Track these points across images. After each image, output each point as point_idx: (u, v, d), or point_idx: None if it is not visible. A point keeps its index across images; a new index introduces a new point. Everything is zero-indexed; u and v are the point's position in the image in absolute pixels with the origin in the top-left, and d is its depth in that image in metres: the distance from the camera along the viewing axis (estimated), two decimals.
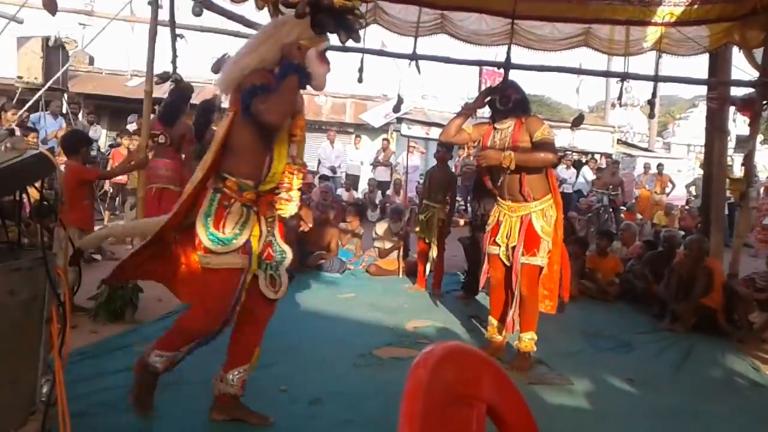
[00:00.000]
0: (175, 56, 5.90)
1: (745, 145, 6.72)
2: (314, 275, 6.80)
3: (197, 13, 5.62)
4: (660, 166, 15.64)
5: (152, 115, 5.92)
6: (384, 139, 15.45)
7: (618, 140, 21.34)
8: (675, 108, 35.19)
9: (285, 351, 4.17)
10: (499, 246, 4.23)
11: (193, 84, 7.03)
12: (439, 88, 29.86)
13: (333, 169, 13.51)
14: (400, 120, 16.81)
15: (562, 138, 19.64)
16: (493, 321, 4.44)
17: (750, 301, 5.76)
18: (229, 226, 2.75)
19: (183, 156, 6.61)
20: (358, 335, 4.75)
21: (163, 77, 5.89)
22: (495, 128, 4.31)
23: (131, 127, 10.93)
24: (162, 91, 9.22)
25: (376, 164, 14.05)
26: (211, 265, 2.77)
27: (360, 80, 6.88)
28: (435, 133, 12.92)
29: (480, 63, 6.80)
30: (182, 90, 6.56)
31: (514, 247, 4.14)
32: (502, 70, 7.08)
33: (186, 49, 6.06)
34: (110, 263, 5.49)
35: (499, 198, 4.32)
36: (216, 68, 7.11)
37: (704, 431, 3.54)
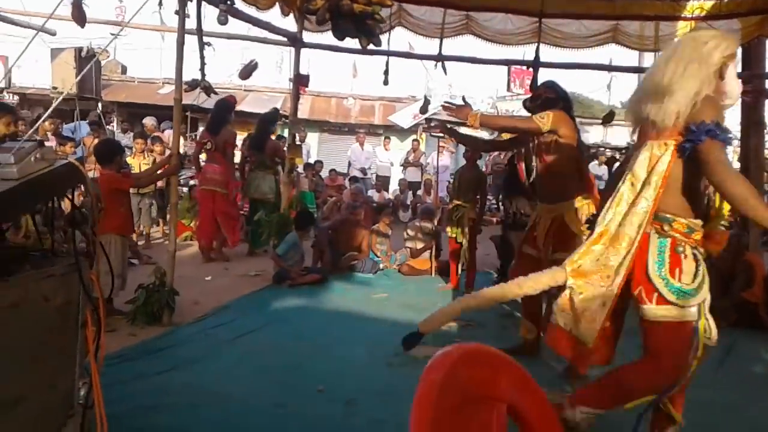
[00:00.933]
0: (203, 64, 5.99)
1: None
2: (347, 276, 6.84)
3: (222, 22, 5.71)
4: None
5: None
6: (414, 140, 15.46)
7: None
8: None
9: (320, 352, 4.21)
10: (537, 248, 4.15)
11: (220, 89, 7.18)
12: (468, 87, 29.77)
13: (363, 171, 13.55)
14: (430, 120, 16.85)
15: (595, 135, 19.40)
16: (525, 321, 4.39)
17: None
18: (687, 275, 2.55)
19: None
20: (392, 335, 4.70)
21: (192, 85, 6.01)
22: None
23: (149, 122, 11.08)
24: (192, 98, 9.49)
25: (406, 165, 14.05)
26: (672, 319, 2.54)
27: (386, 82, 6.90)
28: (464, 131, 12.88)
29: (508, 62, 6.76)
30: (226, 101, 7.40)
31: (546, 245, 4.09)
32: (530, 69, 7.04)
33: (213, 56, 6.15)
34: (148, 267, 5.60)
35: (538, 201, 4.27)
36: (244, 75, 7.23)
37: (748, 425, 3.45)
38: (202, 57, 6.03)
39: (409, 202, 12.71)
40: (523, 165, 4.28)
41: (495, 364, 1.00)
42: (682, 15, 6.47)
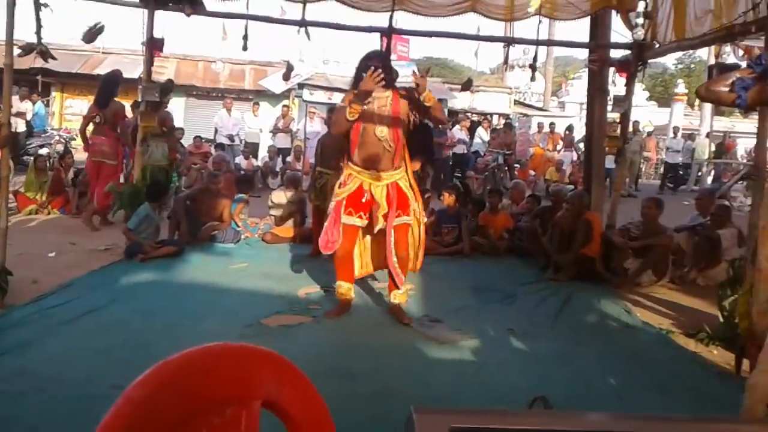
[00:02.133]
0: (39, 26, 5.51)
1: (622, 104, 7.02)
2: (206, 247, 6.64)
3: None
4: (552, 124, 16.24)
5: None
6: (284, 106, 15.17)
7: (515, 101, 21.95)
8: (570, 68, 36.54)
9: (169, 328, 4.05)
10: (361, 217, 4.29)
11: (60, 52, 6.68)
12: (342, 52, 29.58)
13: (231, 138, 13.14)
14: (301, 86, 16.58)
15: (463, 100, 20.01)
16: (343, 284, 4.51)
17: (625, 249, 6.13)
18: None
19: (119, 132, 7.71)
20: (246, 305, 4.69)
21: (26, 49, 5.53)
22: (372, 96, 4.15)
23: None
24: (28, 63, 8.84)
25: (275, 131, 13.80)
26: None
27: (245, 48, 6.66)
28: (337, 98, 12.79)
29: (365, 29, 6.70)
30: (113, 74, 7.73)
31: (385, 213, 4.26)
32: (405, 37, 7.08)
33: (51, 17, 5.68)
34: None
35: (363, 168, 4.26)
36: (88, 38, 6.74)
37: (575, 373, 3.72)
38: (38, 19, 5.57)
39: (278, 169, 12.53)
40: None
41: (245, 362, 0.99)
42: None
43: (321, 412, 1.06)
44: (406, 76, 7.12)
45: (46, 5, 5.59)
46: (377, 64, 4.09)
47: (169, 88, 8.12)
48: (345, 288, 4.50)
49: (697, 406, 3.34)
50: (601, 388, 3.52)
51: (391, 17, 6.52)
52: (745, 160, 16.51)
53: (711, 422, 0.97)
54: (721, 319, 4.27)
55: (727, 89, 2.39)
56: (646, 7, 6.46)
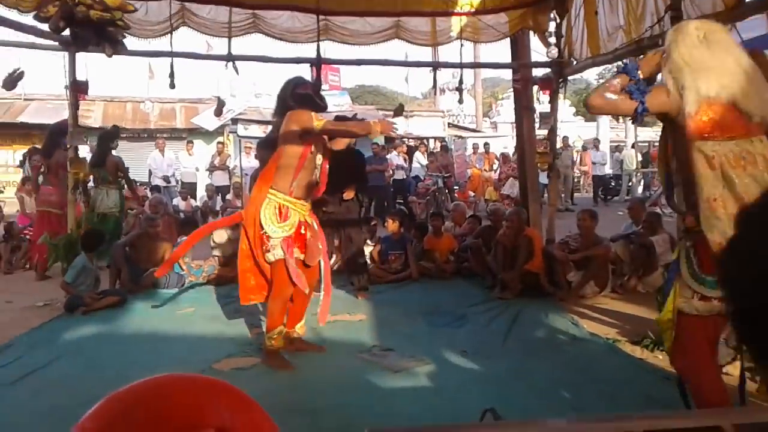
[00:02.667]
0: None
1: (548, 120, 7.32)
2: (150, 294, 6.47)
3: None
4: (486, 145, 16.64)
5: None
6: (219, 143, 15.03)
7: (449, 124, 22.39)
8: (498, 89, 37.59)
9: (118, 381, 3.85)
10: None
11: None
12: (273, 85, 29.53)
13: (167, 179, 12.93)
14: (235, 121, 16.47)
15: (399, 126, 20.28)
16: (283, 329, 4.34)
17: (567, 263, 6.31)
18: None
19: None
20: (197, 351, 4.59)
21: None
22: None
23: None
24: None
25: (212, 169, 13.65)
26: None
27: (172, 86, 6.61)
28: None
29: (293, 60, 6.76)
30: (59, 125, 7.76)
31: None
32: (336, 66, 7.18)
33: None
34: None
35: (296, 199, 4.17)
36: (8, 85, 6.55)
37: (529, 388, 3.79)
38: None
39: (218, 208, 12.36)
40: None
41: (196, 391, 1.00)
42: (455, 10, 6.97)
43: None
44: (339, 104, 7.18)
45: None
46: (309, 90, 4.16)
47: (115, 134, 8.17)
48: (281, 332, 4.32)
49: (648, 410, 3.46)
50: (554, 399, 3.61)
51: (318, 47, 6.61)
52: None
53: (658, 418, 1.03)
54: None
55: (626, 98, 2.46)
56: (557, 27, 6.79)
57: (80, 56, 6.53)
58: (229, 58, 6.61)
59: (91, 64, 7.40)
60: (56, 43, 6.51)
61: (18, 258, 8.08)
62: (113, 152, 7.93)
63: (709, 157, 2.30)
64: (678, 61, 2.40)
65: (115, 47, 6.15)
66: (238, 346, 4.71)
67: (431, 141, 19.90)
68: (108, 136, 8.04)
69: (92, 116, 16.69)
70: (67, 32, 5.87)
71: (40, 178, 7.92)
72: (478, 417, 1.33)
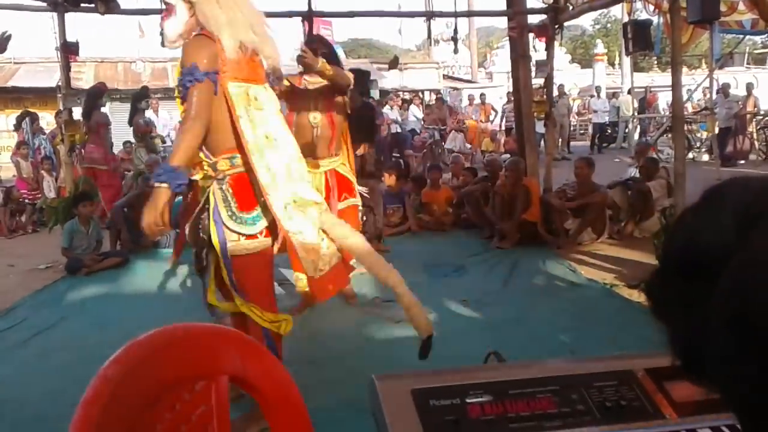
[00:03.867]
0: None
1: (545, 68, 7.22)
2: (151, 254, 6.51)
3: None
4: (482, 96, 16.50)
5: None
6: None
7: (444, 75, 22.15)
8: (493, 38, 37.07)
9: (125, 338, 3.95)
10: None
11: None
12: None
13: (162, 139, 12.81)
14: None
15: (393, 79, 20.06)
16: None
17: (564, 211, 6.35)
18: None
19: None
20: (200, 306, 4.62)
21: None
22: (305, 79, 4.10)
23: None
24: None
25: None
26: None
27: (163, 44, 6.49)
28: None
29: (284, 14, 6.63)
30: (96, 88, 8.77)
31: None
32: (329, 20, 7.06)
33: None
34: None
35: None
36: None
37: (529, 334, 3.87)
38: None
39: None
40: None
41: (210, 339, 1.03)
42: None
43: (287, 383, 1.11)
44: None
45: None
46: (315, 46, 3.99)
47: (143, 95, 9.00)
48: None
49: (646, 351, 3.53)
50: (554, 345, 3.68)
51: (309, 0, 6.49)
52: (667, 113, 17.20)
53: (657, 357, 1.06)
54: None
55: None
56: None
57: (69, 18, 6.42)
58: None
59: (80, 25, 7.30)
60: (44, 4, 6.39)
61: (16, 222, 8.11)
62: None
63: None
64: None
65: (108, 5, 6.03)
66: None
67: (426, 93, 19.71)
68: (137, 96, 9.07)
69: (83, 78, 16.45)
70: None
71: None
72: (482, 361, 1.36)
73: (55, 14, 6.58)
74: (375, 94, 17.08)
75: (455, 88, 20.99)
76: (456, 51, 8.11)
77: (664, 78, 20.34)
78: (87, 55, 16.92)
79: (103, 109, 8.58)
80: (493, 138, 14.00)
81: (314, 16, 6.43)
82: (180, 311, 4.55)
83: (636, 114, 16.47)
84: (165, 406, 0.96)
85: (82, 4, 6.22)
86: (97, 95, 8.49)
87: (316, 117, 4.09)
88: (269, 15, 6.68)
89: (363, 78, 6.67)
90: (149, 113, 13.14)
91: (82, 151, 8.06)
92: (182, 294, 5.06)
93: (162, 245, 6.69)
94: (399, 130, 13.58)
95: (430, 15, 7.44)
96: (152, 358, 0.96)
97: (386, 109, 13.59)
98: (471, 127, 15.25)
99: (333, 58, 4.08)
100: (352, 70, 5.24)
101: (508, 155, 10.89)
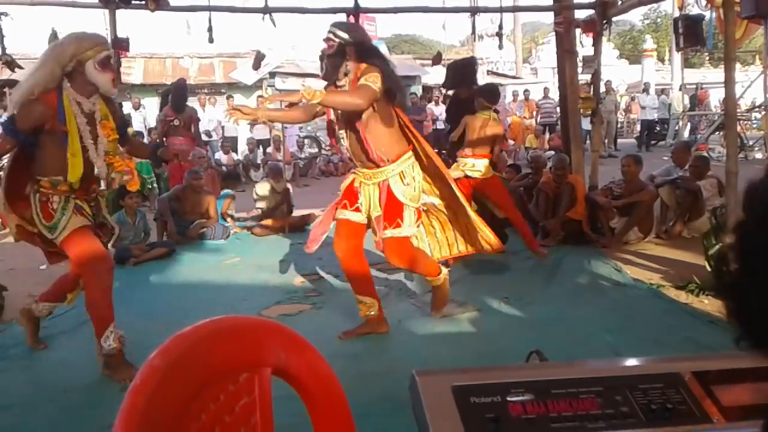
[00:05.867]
0: (1, 36, 5.46)
1: (591, 64, 7.09)
2: (197, 245, 6.66)
3: None
4: (526, 92, 16.29)
5: None
6: (259, 96, 15.07)
7: (488, 71, 21.92)
8: (538, 33, 36.53)
9: (172, 327, 4.00)
10: (359, 211, 3.73)
11: (25, 62, 6.63)
12: (310, 36, 29.32)
13: (208, 133, 13.07)
14: (273, 74, 16.44)
15: (436, 75, 19.95)
16: (361, 298, 3.85)
17: (610, 209, 6.23)
18: None
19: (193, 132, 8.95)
20: (245, 299, 4.74)
21: None
22: (337, 86, 3.62)
23: None
24: None
25: (252, 123, 13.70)
26: None
27: (211, 40, 6.66)
28: (311, 83, 12.70)
29: (330, 10, 6.67)
30: (181, 81, 9.17)
31: (378, 217, 3.68)
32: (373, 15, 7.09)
33: (12, 26, 5.64)
34: None
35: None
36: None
37: (571, 333, 3.80)
38: None
39: (259, 161, 12.50)
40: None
41: (254, 332, 1.05)
42: None
43: (329, 377, 1.12)
44: None
45: (5, 14, 5.55)
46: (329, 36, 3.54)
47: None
48: (368, 302, 3.85)
49: (693, 353, 3.45)
50: (598, 345, 3.62)
51: None
52: (718, 110, 16.69)
53: (704, 359, 1.04)
54: (709, 269, 4.38)
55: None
56: None
57: (120, 14, 6.59)
58: (266, 10, 6.58)
59: (129, 21, 7.47)
60: (96, 1, 6.58)
61: None
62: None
63: None
64: None
65: (158, 2, 6.17)
66: (285, 294, 4.84)
67: None
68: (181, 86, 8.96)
69: (133, 73, 16.88)
70: None
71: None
72: (523, 360, 1.35)
73: (106, 11, 6.76)
74: (417, 90, 17.07)
75: (499, 84, 20.76)
76: (501, 46, 8.01)
77: (716, 74, 19.73)
78: (136, 51, 17.39)
79: (145, 104, 8.69)
80: (537, 135, 13.82)
81: (360, 12, 6.45)
82: (225, 303, 4.65)
83: (686, 111, 16.04)
84: (209, 396, 0.98)
85: (134, 1, 6.38)
86: (184, 88, 8.83)
87: (342, 134, 3.68)
88: (315, 11, 6.79)
89: (467, 69, 6.71)
90: (197, 108, 13.44)
91: (163, 141, 8.32)
92: (228, 286, 5.15)
93: (207, 237, 6.82)
94: (442, 126, 13.51)
95: (475, 11, 7.39)
96: (198, 349, 0.98)
97: (431, 105, 13.55)
98: (514, 123, 15.09)
99: (363, 48, 3.56)
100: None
101: (552, 152, 10.74)
